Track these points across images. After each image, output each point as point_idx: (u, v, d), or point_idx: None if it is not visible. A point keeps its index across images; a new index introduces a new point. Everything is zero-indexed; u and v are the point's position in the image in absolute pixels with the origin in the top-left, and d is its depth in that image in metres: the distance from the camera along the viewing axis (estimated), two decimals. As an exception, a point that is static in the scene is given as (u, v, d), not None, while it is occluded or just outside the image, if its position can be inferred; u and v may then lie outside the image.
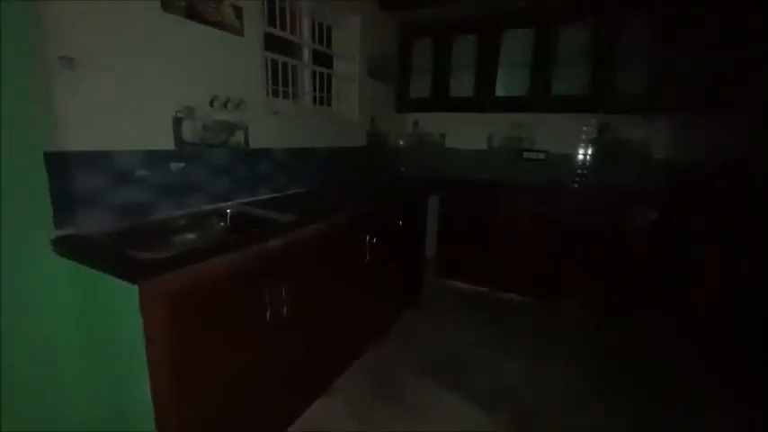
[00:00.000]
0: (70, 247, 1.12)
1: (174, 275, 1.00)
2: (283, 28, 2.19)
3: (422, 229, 2.81)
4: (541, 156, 3.22)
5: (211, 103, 1.68)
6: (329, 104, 2.73)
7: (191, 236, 1.50)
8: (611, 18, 2.63)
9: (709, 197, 2.12)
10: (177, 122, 1.55)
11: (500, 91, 3.11)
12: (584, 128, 3.05)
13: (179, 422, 1.08)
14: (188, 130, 1.59)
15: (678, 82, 2.48)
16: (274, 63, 2.16)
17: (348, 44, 2.76)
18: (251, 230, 1.34)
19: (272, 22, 2.10)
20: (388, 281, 2.33)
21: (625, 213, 2.58)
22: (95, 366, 1.19)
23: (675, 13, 2.45)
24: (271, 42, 2.10)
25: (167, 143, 1.52)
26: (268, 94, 2.13)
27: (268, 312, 1.32)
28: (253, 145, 1.95)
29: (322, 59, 2.58)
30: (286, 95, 2.31)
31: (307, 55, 2.43)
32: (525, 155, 3.28)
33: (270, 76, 2.14)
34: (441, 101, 3.33)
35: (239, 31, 1.80)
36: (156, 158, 1.48)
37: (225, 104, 1.75)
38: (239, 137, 1.86)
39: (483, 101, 3.16)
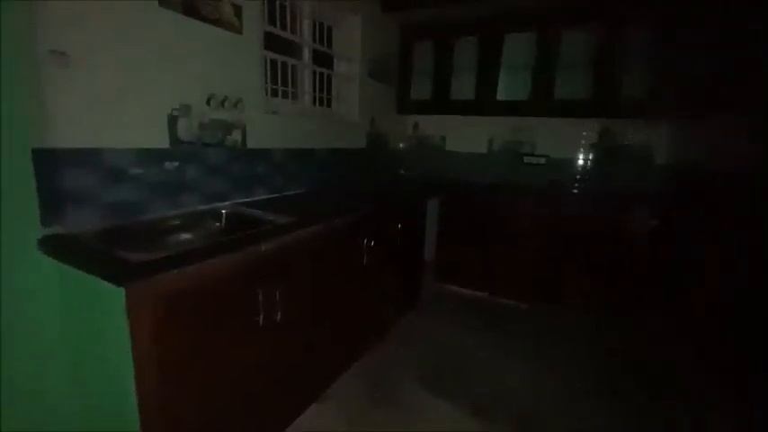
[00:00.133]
0: (57, 247, 1.09)
1: (164, 278, 0.97)
2: (283, 27, 2.17)
3: (421, 232, 2.78)
4: (542, 160, 3.20)
5: (208, 102, 1.66)
6: (329, 105, 2.71)
7: (184, 236, 1.47)
8: (613, 22, 2.62)
9: (709, 197, 2.11)
10: (173, 121, 1.52)
11: (501, 94, 3.08)
12: (586, 132, 3.03)
13: (165, 427, 1.05)
14: (184, 129, 1.56)
15: (679, 84, 2.47)
16: (273, 62, 2.14)
17: (349, 45, 2.74)
18: (245, 232, 1.31)
19: (271, 21, 2.08)
20: (387, 284, 2.30)
21: (625, 216, 2.57)
22: (82, 368, 1.16)
23: (676, 14, 2.45)
24: (270, 41, 2.07)
25: (162, 141, 1.49)
26: (267, 94, 2.11)
27: (261, 316, 1.29)
28: (250, 145, 1.92)
29: (322, 60, 2.56)
30: (285, 95, 2.29)
31: (307, 55, 2.41)
32: (526, 159, 3.26)
33: (269, 76, 2.11)
34: (441, 103, 3.31)
35: (238, 30, 1.78)
36: (150, 157, 1.45)
37: (222, 103, 1.72)
38: (236, 136, 1.84)
39: (484, 104, 3.14)
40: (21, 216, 1.07)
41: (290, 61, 2.26)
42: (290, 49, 2.31)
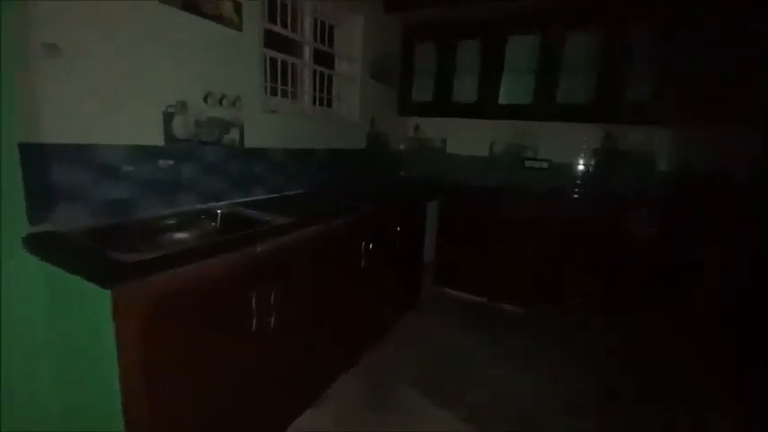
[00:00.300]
0: (43, 245, 1.05)
1: (153, 280, 0.93)
2: (284, 25, 2.13)
3: (421, 233, 2.74)
4: (544, 165, 3.17)
5: (205, 99, 1.62)
6: (329, 105, 2.67)
7: (178, 236, 1.43)
8: (616, 24, 2.60)
9: (710, 198, 2.11)
10: (168, 117, 1.48)
11: (503, 97, 3.06)
12: (589, 137, 3.00)
13: (152, 430, 1.01)
14: (179, 126, 1.53)
15: (682, 88, 2.45)
16: (273, 61, 2.10)
17: (350, 44, 2.71)
18: (240, 232, 1.28)
19: (272, 19, 2.05)
20: (386, 286, 2.26)
21: (627, 222, 2.54)
22: (67, 371, 1.12)
23: (678, 15, 2.43)
24: (270, 39, 2.04)
25: (157, 139, 1.45)
26: (266, 93, 2.07)
27: (254, 320, 1.25)
28: (248, 144, 1.88)
29: (323, 59, 2.53)
30: (285, 94, 2.25)
31: (307, 54, 2.38)
32: (527, 163, 3.22)
33: (268, 74, 2.08)
34: (443, 105, 3.28)
35: (238, 27, 1.75)
36: (143, 154, 1.41)
37: (220, 101, 1.69)
38: (234, 135, 1.80)
39: (486, 107, 3.11)
40: (6, 213, 1.04)
41: (291, 60, 2.23)
42: (291, 47, 2.27)
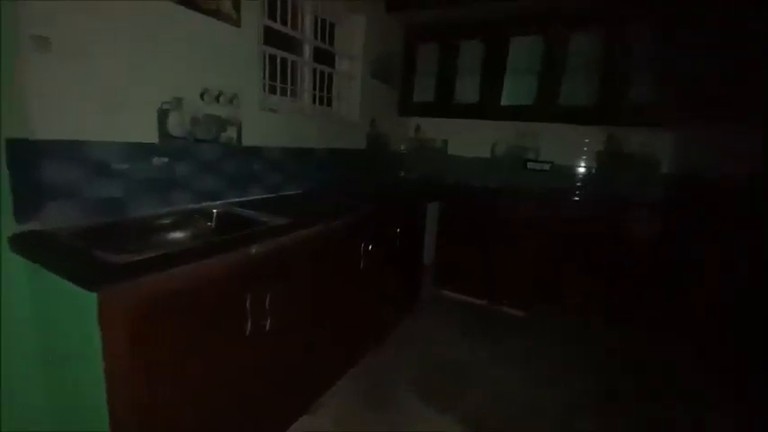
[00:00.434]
0: (30, 246, 1.01)
1: (142, 282, 0.90)
2: (284, 22, 2.10)
3: (420, 235, 2.71)
4: (546, 167, 3.13)
5: (202, 96, 1.59)
6: (329, 104, 2.64)
7: (171, 236, 1.40)
8: (619, 26, 2.58)
9: (710, 198, 2.12)
10: (163, 114, 1.44)
11: (506, 98, 3.02)
12: (592, 139, 2.96)
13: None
14: (175, 124, 1.49)
15: (684, 88, 2.43)
16: (273, 58, 2.07)
17: (351, 43, 2.68)
18: (236, 233, 1.24)
19: (271, 15, 2.01)
20: (385, 288, 2.22)
21: (627, 222, 2.52)
22: (53, 375, 1.08)
23: (680, 16, 2.42)
24: (270, 36, 2.01)
25: (151, 136, 1.42)
26: (265, 90, 2.04)
27: (249, 324, 1.21)
28: (246, 142, 1.85)
29: (323, 57, 2.49)
30: (284, 92, 2.22)
31: (308, 51, 2.34)
32: (529, 165, 3.18)
33: (267, 72, 2.04)
34: (444, 106, 3.25)
35: (236, 22, 1.71)
36: (137, 151, 1.37)
37: (217, 98, 1.65)
38: (231, 133, 1.76)
39: (488, 108, 3.08)
40: (-9, 211, 1.00)
41: (290, 57, 2.19)
42: (291, 44, 2.24)
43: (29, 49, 1.06)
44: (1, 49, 0.98)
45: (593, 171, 2.99)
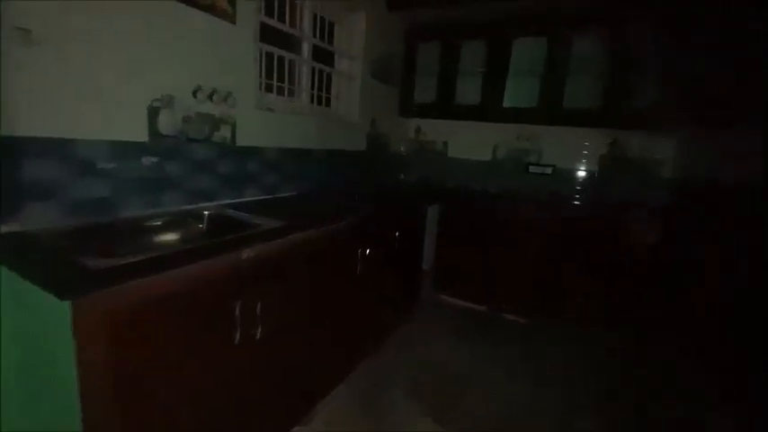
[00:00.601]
0: (6, 248, 0.96)
1: (123, 289, 0.84)
2: (282, 19, 2.05)
3: (420, 239, 2.65)
4: (548, 170, 3.08)
5: (195, 94, 1.53)
6: (328, 104, 2.59)
7: (158, 239, 1.34)
8: (622, 28, 2.55)
9: (710, 198, 2.14)
10: (153, 112, 1.39)
11: (508, 100, 2.98)
12: (595, 143, 2.91)
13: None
14: (166, 122, 1.44)
15: (685, 89, 2.42)
16: (269, 56, 2.02)
17: (351, 42, 2.63)
18: (226, 236, 1.18)
19: (269, 12, 1.96)
20: (383, 294, 2.16)
21: (630, 226, 2.47)
22: (27, 389, 1.02)
23: (679, 16, 2.39)
24: (266, 33, 1.95)
25: (140, 134, 1.36)
26: (261, 89, 1.98)
27: (238, 333, 1.15)
28: (240, 142, 1.79)
29: (322, 56, 2.44)
30: (281, 91, 2.16)
31: (306, 50, 2.29)
32: (531, 168, 3.13)
33: (263, 70, 1.99)
34: (445, 107, 3.20)
35: (231, 18, 1.66)
36: (125, 150, 1.32)
37: (210, 96, 1.60)
38: (225, 132, 1.71)
39: (489, 109, 3.03)
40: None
41: (288, 56, 2.14)
42: (289, 43, 2.19)
43: (11, 43, 1.01)
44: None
45: (596, 175, 2.94)
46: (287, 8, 2.07)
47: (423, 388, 1.93)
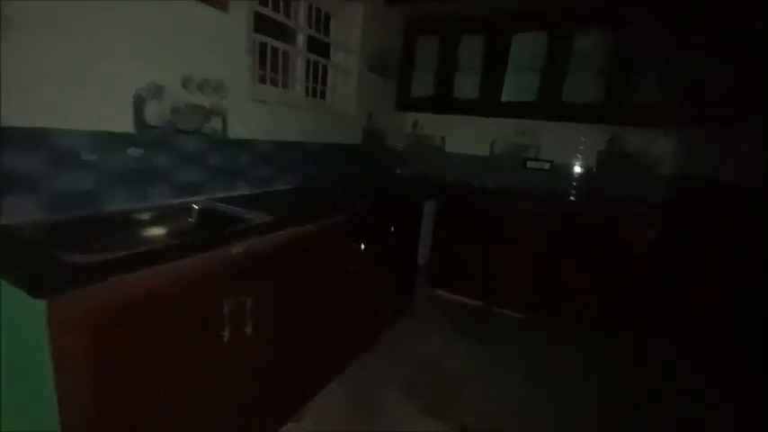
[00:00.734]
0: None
1: (104, 287, 0.80)
2: (276, 9, 1.99)
3: (416, 235, 2.62)
4: (546, 165, 3.05)
5: (184, 84, 1.48)
6: (323, 97, 2.54)
7: (144, 233, 1.30)
8: (623, 25, 2.51)
9: (711, 198, 2.13)
10: (140, 102, 1.34)
11: (506, 95, 2.94)
12: (594, 139, 2.88)
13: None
14: (153, 112, 1.39)
15: (686, 88, 2.39)
16: (263, 46, 1.96)
17: (348, 35, 2.57)
18: (216, 231, 1.14)
19: (263, 1, 1.90)
20: (378, 290, 2.13)
21: (629, 226, 2.45)
22: (8, 390, 0.98)
23: (685, 16, 2.37)
24: (260, 23, 1.90)
25: (125, 125, 1.31)
26: (254, 80, 1.93)
27: (227, 331, 1.12)
28: (232, 134, 1.75)
29: (318, 48, 2.38)
30: (275, 83, 2.11)
31: (301, 41, 2.23)
32: (529, 164, 3.10)
33: (257, 60, 1.93)
34: (443, 101, 3.16)
35: (224, 7, 1.61)
36: (110, 141, 1.27)
37: (201, 86, 1.55)
38: (216, 124, 1.66)
39: (488, 104, 2.99)
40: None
41: (283, 46, 2.09)
42: (284, 33, 2.13)
43: (-16, 26, 0.96)
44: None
45: (594, 170, 2.92)
46: (281, -3, 2.01)
47: (418, 384, 1.91)
